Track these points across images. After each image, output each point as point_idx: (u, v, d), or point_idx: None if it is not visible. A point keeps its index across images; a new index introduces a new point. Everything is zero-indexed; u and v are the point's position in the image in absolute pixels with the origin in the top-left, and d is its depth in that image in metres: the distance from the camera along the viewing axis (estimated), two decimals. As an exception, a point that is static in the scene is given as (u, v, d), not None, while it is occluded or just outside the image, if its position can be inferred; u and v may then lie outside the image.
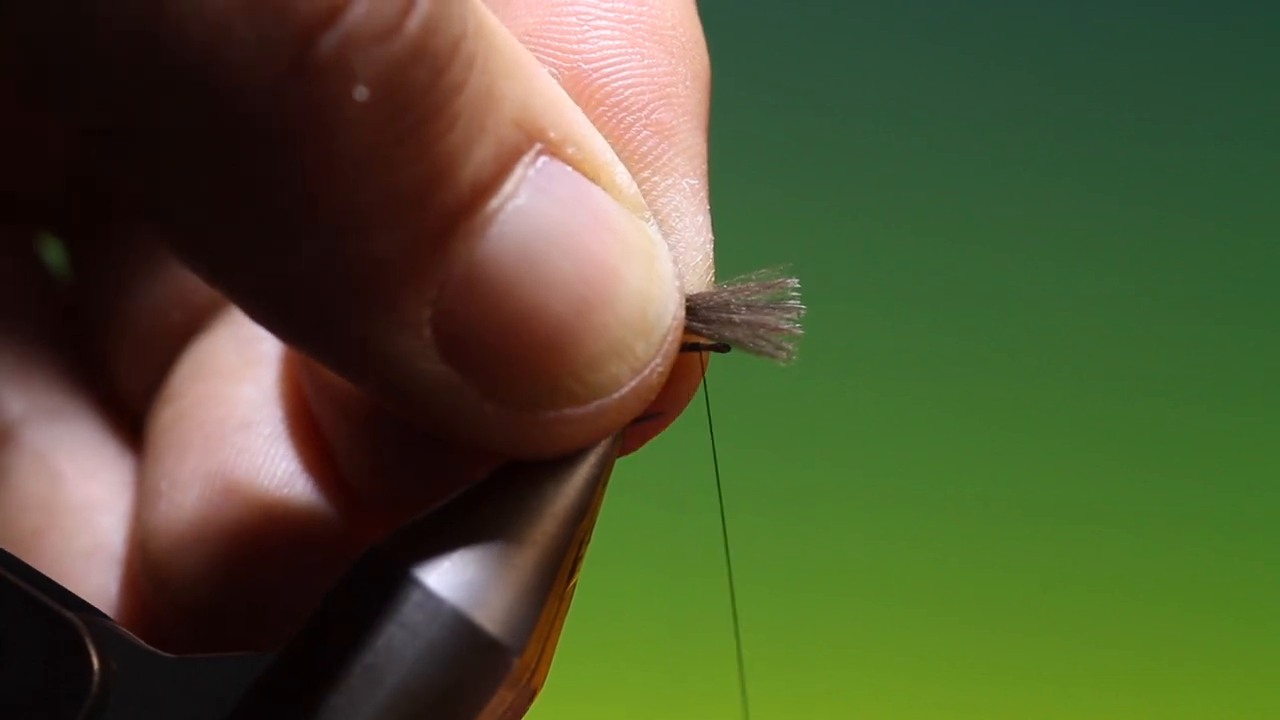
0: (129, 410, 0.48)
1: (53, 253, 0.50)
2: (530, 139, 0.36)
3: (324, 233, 0.34)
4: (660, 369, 0.38)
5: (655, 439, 0.41)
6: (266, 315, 0.36)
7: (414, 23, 0.33)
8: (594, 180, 0.37)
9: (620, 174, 0.38)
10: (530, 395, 0.36)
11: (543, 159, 0.36)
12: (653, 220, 0.39)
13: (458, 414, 0.37)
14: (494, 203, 0.35)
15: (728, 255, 0.41)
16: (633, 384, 0.37)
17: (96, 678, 0.37)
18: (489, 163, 0.35)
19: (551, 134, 0.36)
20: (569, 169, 0.37)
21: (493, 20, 0.36)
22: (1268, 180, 1.31)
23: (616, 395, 0.37)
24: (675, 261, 0.39)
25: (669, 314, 0.38)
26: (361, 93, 0.33)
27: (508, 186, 0.36)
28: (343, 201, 0.34)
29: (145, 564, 0.44)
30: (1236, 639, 1.22)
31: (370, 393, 0.39)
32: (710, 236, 0.40)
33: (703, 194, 0.40)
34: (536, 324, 0.36)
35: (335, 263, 0.34)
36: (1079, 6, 1.32)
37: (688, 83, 0.40)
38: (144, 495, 0.45)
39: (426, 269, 0.35)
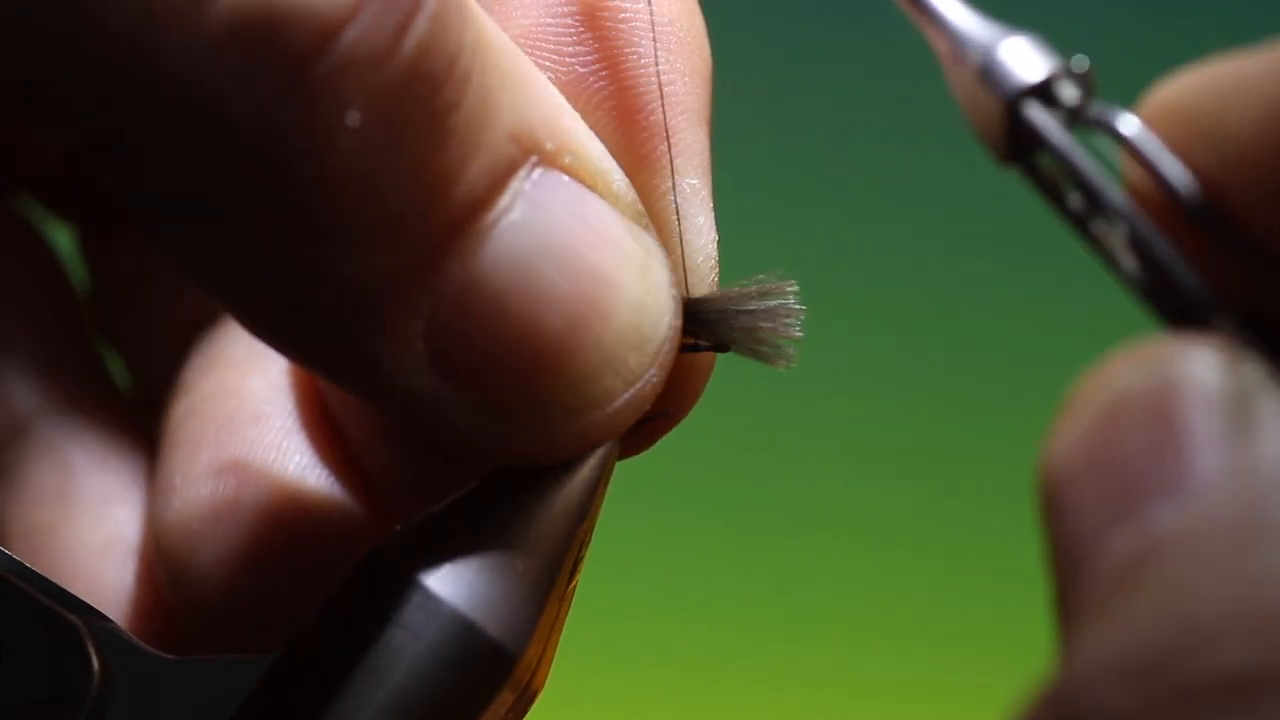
0: (144, 400, 0.49)
1: (66, 243, 0.51)
2: (526, 152, 0.36)
3: (316, 250, 0.34)
4: (655, 379, 0.38)
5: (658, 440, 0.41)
6: (260, 329, 0.36)
7: (409, 45, 0.33)
8: (591, 188, 0.37)
9: (618, 181, 0.38)
10: (523, 408, 0.36)
11: (538, 171, 0.36)
12: (650, 228, 0.38)
13: (452, 426, 0.37)
14: (488, 218, 0.35)
15: (730, 256, 0.40)
16: (627, 396, 0.37)
17: (97, 679, 0.37)
18: (484, 179, 0.35)
19: (548, 145, 0.36)
20: (566, 178, 0.36)
21: (491, 30, 0.36)
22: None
23: (610, 407, 0.37)
24: (675, 266, 0.39)
25: (664, 324, 0.38)
26: (353, 118, 0.33)
27: (503, 201, 0.35)
28: (335, 220, 0.34)
29: (161, 558, 0.44)
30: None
31: (367, 403, 0.39)
32: (714, 236, 0.40)
33: (704, 193, 0.40)
34: (529, 338, 0.36)
35: (326, 279, 0.34)
36: (1077, 10, 1.32)
37: (686, 79, 0.40)
38: (158, 489, 0.45)
39: (419, 285, 0.35)
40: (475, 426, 0.36)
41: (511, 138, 0.35)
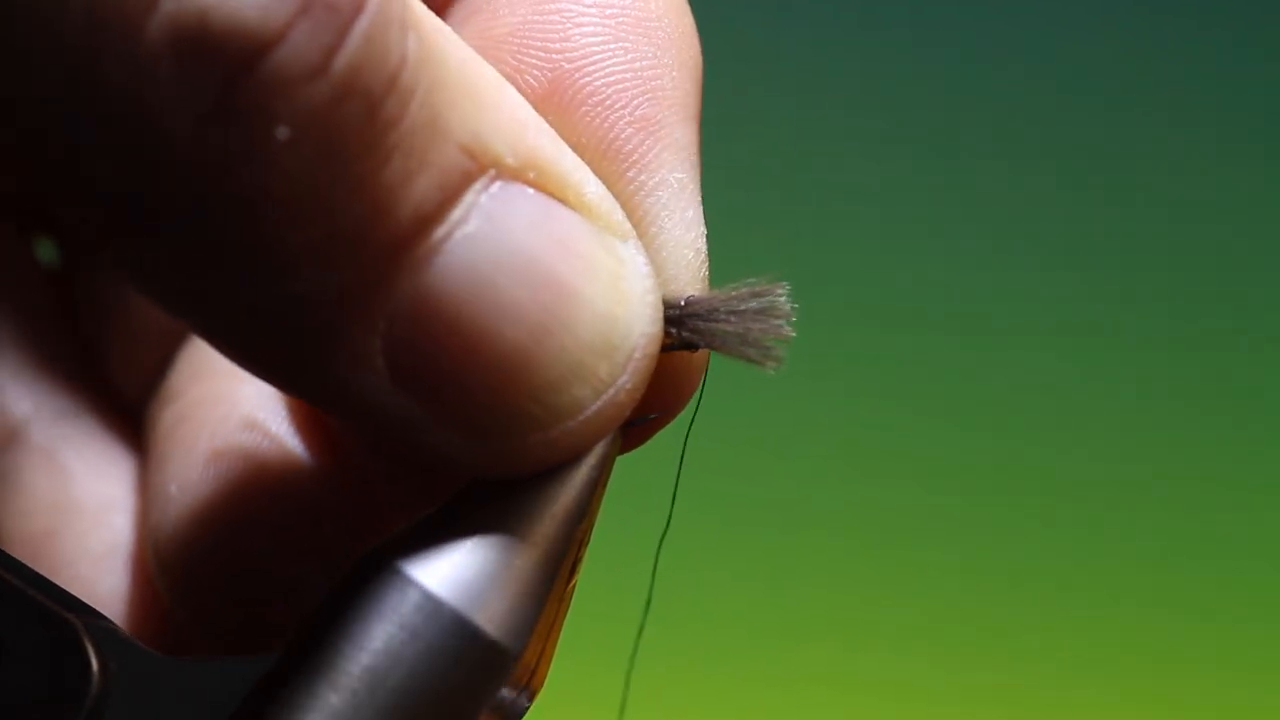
0: (128, 407, 0.48)
1: (48, 252, 0.51)
2: (481, 166, 0.36)
3: (261, 268, 0.34)
4: (629, 387, 0.37)
5: (660, 439, 0.41)
6: (224, 347, 0.36)
7: (340, 63, 0.33)
8: (561, 200, 0.37)
9: (591, 192, 0.37)
10: (490, 422, 0.36)
11: (497, 184, 0.36)
12: (630, 237, 0.38)
13: (422, 441, 0.37)
14: (440, 232, 0.35)
15: (729, 256, 0.40)
16: (598, 405, 0.37)
17: (96, 679, 0.37)
18: (432, 194, 0.35)
19: (509, 160, 0.36)
20: (530, 191, 0.36)
21: (444, 44, 0.35)
22: (1268, 188, 1.31)
23: (581, 417, 0.37)
24: (664, 264, 0.39)
25: (636, 333, 0.37)
26: (283, 132, 0.33)
27: (455, 214, 0.35)
28: (276, 237, 0.34)
29: (159, 567, 0.44)
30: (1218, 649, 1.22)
31: (341, 421, 0.39)
32: (702, 230, 0.40)
33: (692, 187, 0.40)
34: (490, 350, 0.36)
35: (276, 297, 0.34)
36: (1073, 13, 1.32)
37: (674, 73, 0.40)
38: (153, 499, 0.45)
39: (371, 302, 0.35)
40: (446, 441, 0.36)
41: (463, 151, 0.35)
